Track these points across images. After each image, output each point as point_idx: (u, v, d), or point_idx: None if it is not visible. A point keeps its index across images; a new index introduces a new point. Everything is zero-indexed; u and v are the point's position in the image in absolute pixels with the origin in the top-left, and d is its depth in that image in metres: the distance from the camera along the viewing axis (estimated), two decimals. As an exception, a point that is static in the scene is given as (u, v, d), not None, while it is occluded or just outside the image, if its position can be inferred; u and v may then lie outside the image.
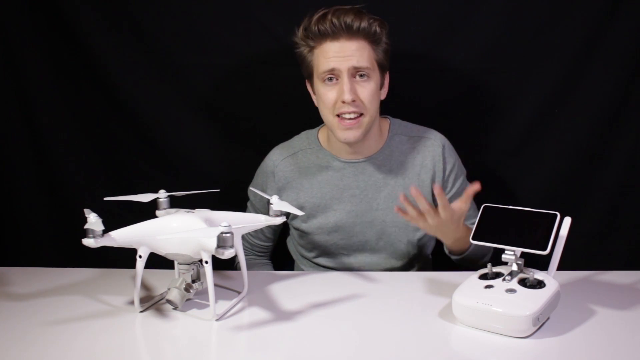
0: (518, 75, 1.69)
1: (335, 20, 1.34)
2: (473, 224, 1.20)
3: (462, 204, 1.29)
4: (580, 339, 1.05)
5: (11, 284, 1.34)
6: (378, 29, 1.38)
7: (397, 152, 1.51)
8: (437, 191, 1.27)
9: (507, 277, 1.11)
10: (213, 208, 1.24)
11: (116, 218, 1.17)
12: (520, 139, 1.74)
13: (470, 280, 1.14)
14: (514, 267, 1.12)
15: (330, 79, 1.39)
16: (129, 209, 1.36)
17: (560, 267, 1.13)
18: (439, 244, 1.60)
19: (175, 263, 1.25)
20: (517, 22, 1.65)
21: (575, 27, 1.64)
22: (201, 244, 1.11)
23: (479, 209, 1.18)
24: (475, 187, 1.29)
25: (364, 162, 1.51)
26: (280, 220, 1.27)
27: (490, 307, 1.05)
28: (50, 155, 1.78)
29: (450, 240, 1.41)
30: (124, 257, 1.32)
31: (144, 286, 1.30)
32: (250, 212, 1.61)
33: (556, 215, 1.09)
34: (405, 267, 1.56)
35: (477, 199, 1.55)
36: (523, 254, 1.11)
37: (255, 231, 1.59)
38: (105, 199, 1.28)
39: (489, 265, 1.15)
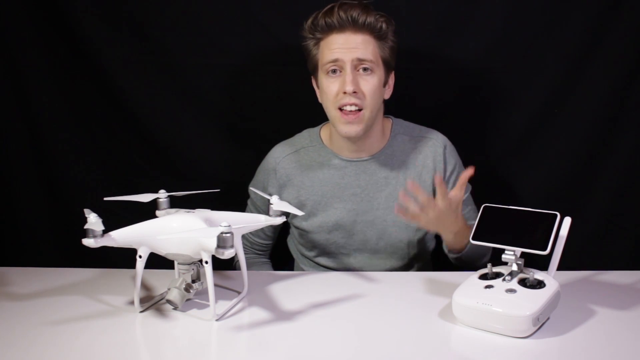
0: (518, 75, 1.69)
1: (342, 14, 1.37)
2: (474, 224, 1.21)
3: (457, 191, 1.31)
4: (580, 339, 1.05)
5: (11, 284, 1.34)
6: (384, 25, 1.40)
7: (399, 152, 1.52)
8: (437, 180, 1.29)
9: (507, 277, 1.11)
10: (213, 208, 1.24)
11: (116, 218, 1.17)
12: (520, 139, 1.74)
13: (470, 280, 1.14)
14: (514, 267, 1.12)
15: (334, 71, 1.41)
16: (129, 209, 1.36)
17: (560, 267, 1.13)
18: (438, 244, 1.61)
19: (175, 263, 1.25)
20: (517, 22, 1.65)
21: (575, 27, 1.64)
22: (201, 244, 1.11)
23: (479, 209, 1.18)
24: (469, 172, 1.30)
25: (365, 161, 1.51)
26: (280, 220, 1.27)
27: (490, 307, 1.05)
28: (50, 155, 1.78)
29: (451, 235, 1.40)
30: (124, 257, 1.32)
31: (144, 286, 1.30)
32: (250, 209, 1.61)
33: (556, 215, 1.09)
34: (406, 267, 1.56)
35: (478, 199, 1.56)
36: (523, 254, 1.11)
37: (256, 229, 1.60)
38: (105, 199, 1.28)
39: (489, 265, 1.15)
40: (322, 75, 1.43)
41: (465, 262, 1.49)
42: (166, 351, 1.07)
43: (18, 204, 1.82)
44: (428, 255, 1.61)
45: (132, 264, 1.17)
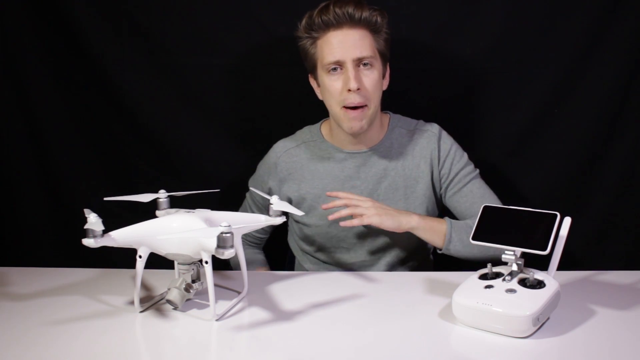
0: (518, 75, 1.69)
1: (338, 11, 1.39)
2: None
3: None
4: (580, 339, 1.05)
5: (11, 284, 1.34)
6: (379, 19, 1.42)
7: (397, 144, 1.53)
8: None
9: (507, 277, 1.11)
10: (213, 208, 1.24)
11: (116, 218, 1.17)
12: (520, 139, 1.74)
13: (470, 280, 1.14)
14: (514, 267, 1.12)
15: (335, 69, 1.42)
16: (129, 209, 1.36)
17: (560, 267, 1.13)
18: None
19: (175, 263, 1.25)
20: (517, 22, 1.65)
21: (576, 27, 1.64)
22: (201, 244, 1.11)
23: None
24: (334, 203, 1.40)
25: (365, 153, 1.52)
26: (280, 220, 1.27)
27: (490, 307, 1.05)
28: (50, 155, 1.78)
29: (416, 226, 1.40)
30: (124, 257, 1.32)
31: (144, 286, 1.30)
32: (247, 203, 1.63)
33: (556, 215, 1.09)
34: (405, 260, 1.56)
35: (477, 199, 1.55)
36: (523, 254, 1.11)
37: None
38: (105, 199, 1.28)
39: (489, 265, 1.15)
40: (322, 74, 1.44)
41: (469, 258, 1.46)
42: (166, 351, 1.07)
43: (18, 204, 1.82)
44: (428, 251, 1.61)
45: (132, 264, 1.17)
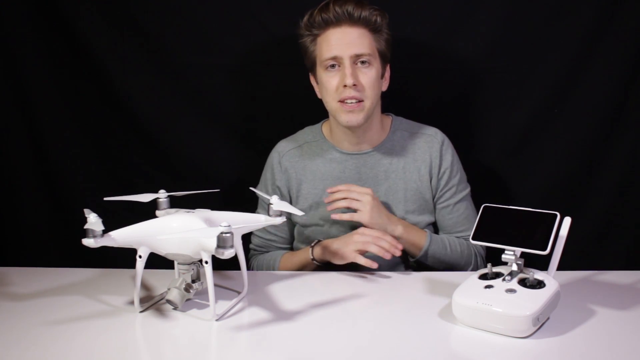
0: (518, 75, 1.69)
1: (338, 9, 1.41)
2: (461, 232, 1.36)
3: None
4: (580, 339, 1.05)
5: (11, 284, 1.34)
6: (379, 19, 1.43)
7: (399, 147, 1.53)
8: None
9: (507, 277, 1.11)
10: (213, 208, 1.24)
11: (116, 218, 1.17)
12: (520, 139, 1.74)
13: (470, 280, 1.14)
14: (514, 267, 1.12)
15: (333, 66, 1.43)
16: (129, 209, 1.36)
17: (560, 267, 1.13)
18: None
19: (175, 263, 1.25)
20: (517, 22, 1.65)
21: (576, 27, 1.64)
22: (201, 244, 1.11)
23: (478, 209, 1.18)
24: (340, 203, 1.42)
25: (365, 154, 1.52)
26: (280, 220, 1.27)
27: (490, 307, 1.05)
28: (50, 155, 1.78)
29: (394, 231, 1.44)
30: (124, 257, 1.32)
31: (144, 286, 1.30)
32: (261, 208, 1.61)
33: (556, 215, 1.09)
34: (406, 261, 1.55)
35: (477, 199, 1.56)
36: (523, 254, 1.11)
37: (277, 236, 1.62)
38: (105, 199, 1.28)
39: (488, 265, 1.15)
40: (321, 71, 1.45)
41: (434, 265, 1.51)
42: (166, 351, 1.07)
43: (18, 204, 1.82)
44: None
45: (132, 264, 1.17)
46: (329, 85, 1.44)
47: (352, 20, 1.41)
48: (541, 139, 1.72)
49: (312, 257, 1.45)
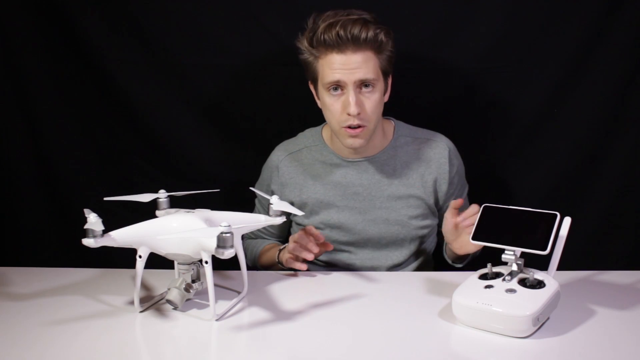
0: (518, 75, 1.69)
1: (341, 32, 1.32)
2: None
3: (452, 217, 1.35)
4: (580, 339, 1.05)
5: (11, 284, 1.34)
6: (384, 38, 1.37)
7: (402, 153, 1.52)
8: (456, 205, 1.34)
9: (507, 277, 1.11)
10: (213, 208, 1.24)
11: (116, 218, 1.17)
12: (520, 139, 1.74)
13: (470, 280, 1.14)
14: (514, 267, 1.12)
15: (336, 89, 1.38)
16: (129, 209, 1.36)
17: (560, 267, 1.13)
18: (438, 244, 1.61)
19: (175, 263, 1.25)
20: (517, 22, 1.65)
21: (575, 27, 1.64)
22: (201, 244, 1.11)
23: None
24: (459, 201, 1.35)
25: (367, 161, 1.51)
26: (280, 220, 1.27)
27: (490, 307, 1.05)
28: (50, 155, 1.78)
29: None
30: (124, 257, 1.32)
31: (144, 286, 1.30)
32: (257, 208, 1.63)
33: (556, 215, 1.09)
34: (407, 264, 1.56)
35: (478, 199, 1.55)
36: (523, 254, 1.11)
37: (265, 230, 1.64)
38: (105, 199, 1.28)
39: (488, 265, 1.15)
40: (323, 91, 1.41)
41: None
42: (166, 351, 1.07)
43: (18, 204, 1.82)
44: (429, 255, 1.61)
45: (132, 264, 1.17)
46: (332, 109, 1.40)
47: (357, 44, 1.33)
48: (541, 139, 1.72)
49: (277, 260, 1.46)
